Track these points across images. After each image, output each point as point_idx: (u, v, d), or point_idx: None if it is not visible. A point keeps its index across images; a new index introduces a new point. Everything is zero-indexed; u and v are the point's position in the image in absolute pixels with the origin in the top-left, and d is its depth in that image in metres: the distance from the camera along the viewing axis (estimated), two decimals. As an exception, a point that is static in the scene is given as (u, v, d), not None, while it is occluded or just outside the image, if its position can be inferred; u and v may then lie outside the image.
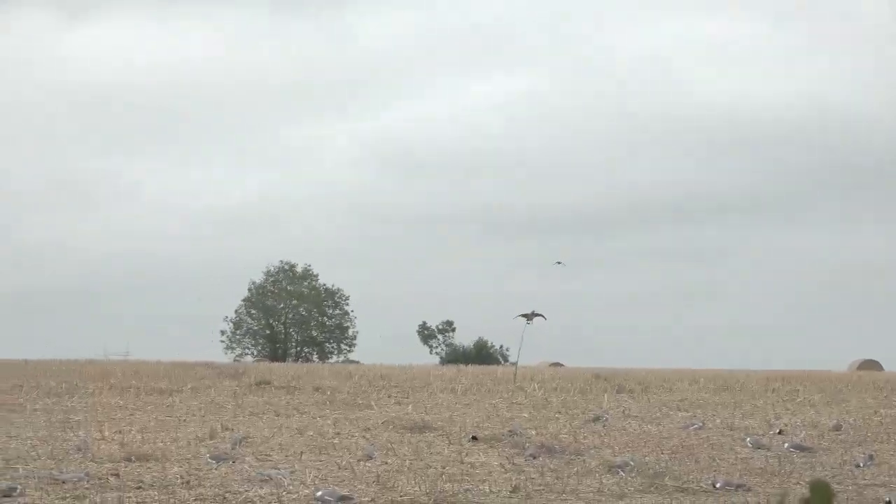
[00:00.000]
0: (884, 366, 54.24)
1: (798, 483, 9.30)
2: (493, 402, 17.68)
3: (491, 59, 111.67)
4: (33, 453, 10.32)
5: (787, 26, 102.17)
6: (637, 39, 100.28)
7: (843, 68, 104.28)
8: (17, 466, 9.39)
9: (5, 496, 8.08)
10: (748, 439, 12.27)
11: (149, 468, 9.36)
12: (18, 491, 8.21)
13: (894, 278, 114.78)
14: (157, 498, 8.27)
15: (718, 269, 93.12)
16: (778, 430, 13.53)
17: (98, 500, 8.00)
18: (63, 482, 8.56)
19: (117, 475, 8.96)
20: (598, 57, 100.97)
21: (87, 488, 8.42)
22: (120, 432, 11.87)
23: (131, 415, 14.65)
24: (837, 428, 13.89)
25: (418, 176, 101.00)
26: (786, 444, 11.77)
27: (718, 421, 14.79)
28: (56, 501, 8.02)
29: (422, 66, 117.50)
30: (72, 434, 11.87)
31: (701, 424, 13.98)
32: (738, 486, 8.99)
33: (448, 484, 8.87)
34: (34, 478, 8.74)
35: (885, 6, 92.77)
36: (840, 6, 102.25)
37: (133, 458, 9.72)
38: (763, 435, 12.98)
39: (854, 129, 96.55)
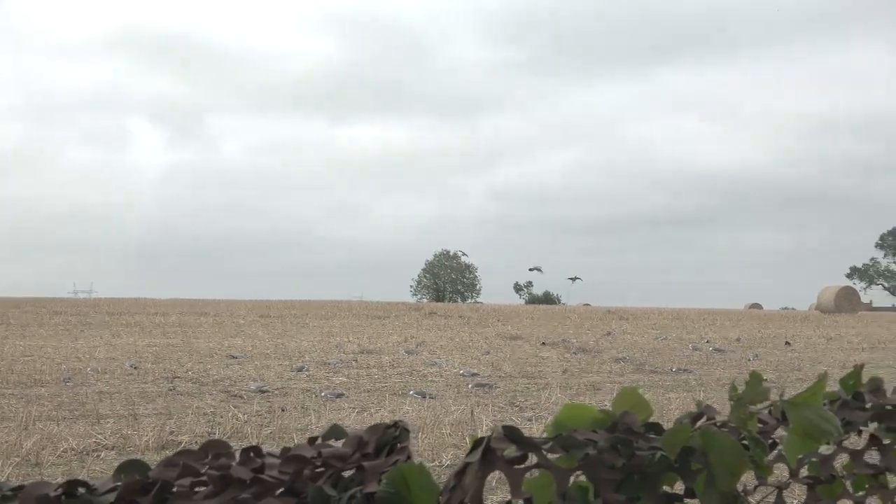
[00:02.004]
0: (763, 306, 72.72)
1: (717, 368, 17.07)
2: (553, 324, 27.24)
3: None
4: (313, 350, 18.00)
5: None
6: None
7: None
8: (304, 355, 17.01)
9: (299, 371, 15.56)
10: (690, 345, 20.25)
11: (372, 357, 16.99)
12: (305, 369, 15.72)
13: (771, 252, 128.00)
14: (376, 373, 15.81)
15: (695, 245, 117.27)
16: (706, 340, 21.67)
17: (346, 373, 15.53)
18: (329, 364, 16.09)
19: (356, 360, 16.53)
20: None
21: (339, 367, 15.97)
22: (358, 337, 19.83)
23: (362, 329, 23.45)
24: (738, 339, 22.14)
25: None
26: (710, 348, 19.74)
27: (674, 335, 23.03)
28: (327, 374, 15.56)
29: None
30: (332, 339, 20.01)
31: (665, 337, 22.18)
32: (685, 370, 16.64)
33: (529, 367, 16.51)
34: (314, 362, 16.29)
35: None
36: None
37: (364, 351, 17.39)
38: (698, 343, 20.98)
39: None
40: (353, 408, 10.29)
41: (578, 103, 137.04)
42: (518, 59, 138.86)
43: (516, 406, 10.68)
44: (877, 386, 1.55)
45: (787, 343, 21.90)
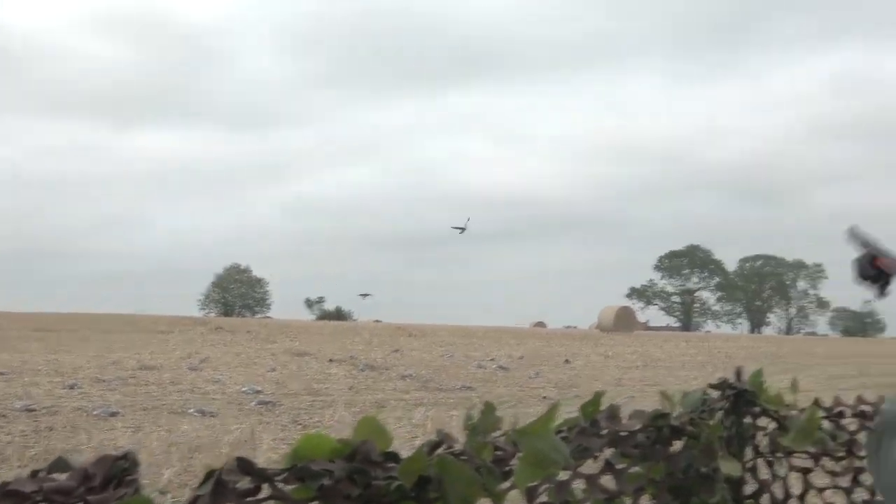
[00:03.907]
0: (547, 324, 73.83)
1: (500, 386, 17.48)
2: (343, 340, 26.86)
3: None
4: (88, 366, 17.09)
5: None
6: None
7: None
8: (78, 371, 16.18)
9: (71, 388, 14.87)
10: (475, 363, 20.65)
11: (152, 373, 16.40)
12: (78, 386, 15.02)
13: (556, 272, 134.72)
14: (155, 390, 15.30)
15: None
16: (491, 358, 22.18)
17: (122, 391, 14.95)
18: (104, 381, 15.41)
19: (134, 377, 15.92)
20: None
21: (116, 384, 15.33)
22: (138, 353, 18.94)
23: (144, 344, 22.27)
24: (522, 357, 22.78)
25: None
26: (495, 366, 20.21)
27: (461, 353, 23.41)
28: (102, 392, 14.91)
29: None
30: (110, 355, 19.02)
31: (452, 355, 22.50)
32: (468, 387, 16.94)
33: (315, 384, 16.39)
34: (88, 379, 15.54)
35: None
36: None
37: (144, 367, 16.76)
38: (483, 360, 21.44)
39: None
40: (128, 427, 9.90)
41: (372, 120, 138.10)
42: (313, 73, 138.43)
43: (299, 424, 10.57)
44: (613, 413, 1.60)
45: (567, 361, 22.68)
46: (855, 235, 2.09)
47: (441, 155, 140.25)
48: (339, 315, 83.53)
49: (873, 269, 2.05)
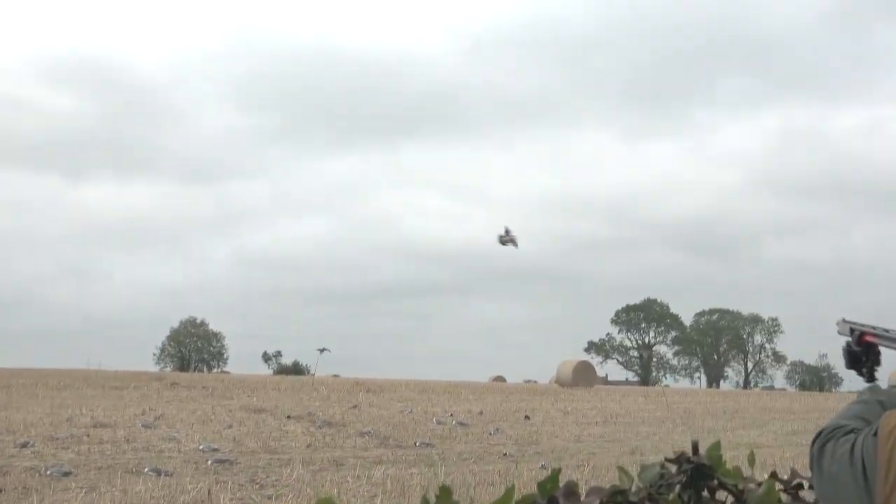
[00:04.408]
0: (506, 378, 75.63)
1: (460, 443, 17.38)
2: (301, 396, 26.67)
3: None
4: (41, 423, 16.78)
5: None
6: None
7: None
8: (31, 429, 15.88)
9: (23, 446, 14.58)
10: (434, 419, 20.54)
11: (107, 431, 16.13)
12: (30, 444, 14.74)
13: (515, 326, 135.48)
14: (110, 449, 15.03)
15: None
16: (450, 414, 22.07)
17: (76, 449, 14.67)
18: (57, 438, 15.14)
19: (88, 435, 15.64)
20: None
21: (69, 442, 15.06)
22: (91, 410, 18.59)
23: (98, 401, 21.91)
24: (481, 413, 22.70)
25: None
26: (454, 422, 20.12)
27: (419, 409, 23.29)
28: (55, 450, 14.65)
29: None
30: (63, 412, 18.68)
31: (411, 410, 22.39)
32: (428, 444, 16.82)
33: (272, 442, 16.20)
34: (41, 437, 15.26)
35: None
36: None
37: (98, 425, 16.47)
38: (443, 416, 21.34)
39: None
40: (82, 487, 9.72)
41: (327, 173, 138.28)
42: (267, 126, 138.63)
43: (257, 483, 10.44)
44: (571, 489, 1.62)
45: (527, 417, 22.63)
46: (845, 325, 2.16)
47: (396, 208, 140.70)
48: (296, 369, 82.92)
49: (859, 346, 2.10)
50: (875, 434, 1.64)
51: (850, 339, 2.13)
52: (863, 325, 2.11)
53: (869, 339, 2.07)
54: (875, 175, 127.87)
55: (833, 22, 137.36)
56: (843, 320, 2.17)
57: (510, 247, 27.54)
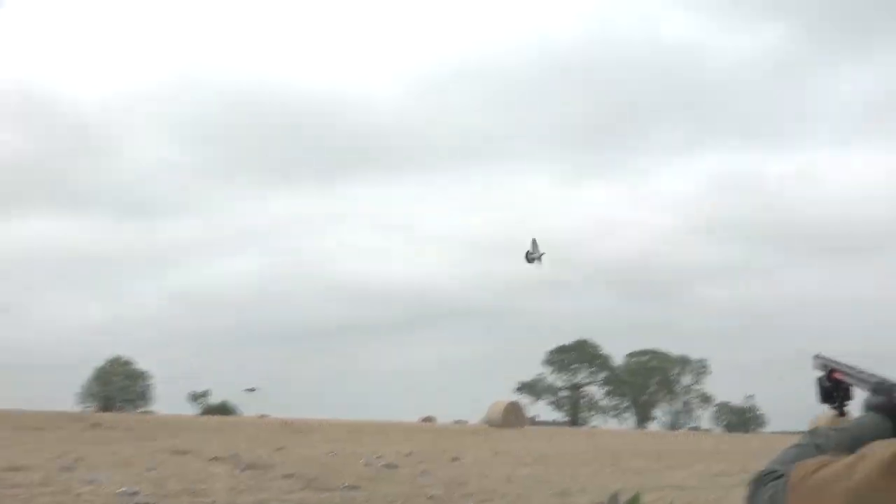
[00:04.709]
0: (436, 418, 74.78)
1: (387, 485, 17.12)
2: (226, 436, 26.26)
3: None
4: None
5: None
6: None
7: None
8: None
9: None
10: (362, 460, 20.27)
11: (20, 474, 15.58)
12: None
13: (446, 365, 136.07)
14: (22, 493, 14.52)
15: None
16: (378, 455, 21.79)
17: None
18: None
19: (1, 479, 15.09)
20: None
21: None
22: (6, 452, 17.96)
23: (13, 443, 21.18)
24: (410, 454, 22.47)
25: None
26: (381, 463, 19.86)
27: (347, 450, 22.99)
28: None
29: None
30: None
31: (338, 452, 22.08)
32: (354, 487, 16.52)
33: (195, 485, 15.80)
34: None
35: None
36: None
37: (11, 468, 15.92)
38: (370, 457, 21.08)
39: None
40: (-10, 534, 9.33)
41: (261, 211, 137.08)
42: (204, 163, 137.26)
43: (176, 528, 10.14)
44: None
45: (456, 458, 22.45)
46: (819, 360, 2.21)
47: (330, 246, 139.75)
48: (223, 410, 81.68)
49: (830, 382, 2.15)
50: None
51: (823, 374, 2.18)
52: (835, 362, 2.16)
53: (838, 375, 2.12)
54: (805, 220, 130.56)
55: (769, 70, 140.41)
56: (818, 356, 2.22)
57: (535, 264, 27.15)
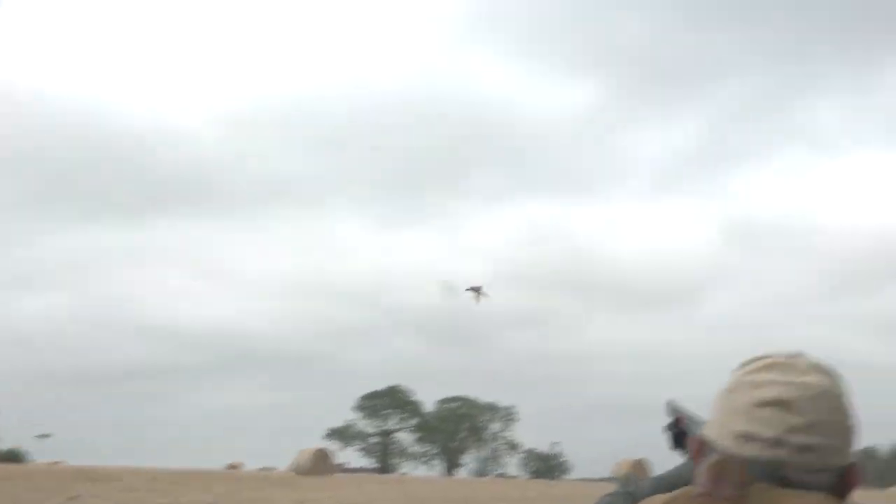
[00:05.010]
0: (244, 465, 74.51)
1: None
2: (11, 486, 24.81)
3: None
4: None
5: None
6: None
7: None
8: None
9: None
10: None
11: None
12: None
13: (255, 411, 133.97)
14: None
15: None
16: None
17: None
18: None
19: None
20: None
21: None
22: None
23: None
24: (212, 503, 21.70)
25: None
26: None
27: (147, 499, 21.96)
28: None
29: None
30: None
31: (134, 502, 21.03)
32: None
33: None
34: None
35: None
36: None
37: None
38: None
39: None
40: None
41: (65, 248, 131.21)
42: (5, 198, 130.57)
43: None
44: None
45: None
46: (670, 406, 2.19)
47: (137, 286, 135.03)
48: (11, 457, 76.38)
49: (676, 428, 2.15)
50: None
51: (671, 420, 2.15)
52: (682, 410, 2.13)
53: (682, 423, 2.10)
54: (613, 270, 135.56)
55: (581, 124, 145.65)
56: (670, 402, 2.20)
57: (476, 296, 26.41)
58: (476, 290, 27.54)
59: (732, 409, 1.55)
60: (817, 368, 1.56)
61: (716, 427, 1.58)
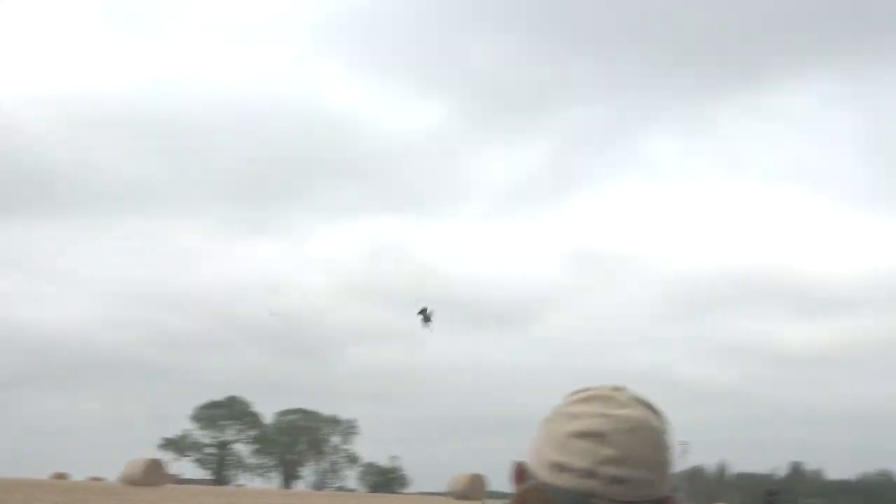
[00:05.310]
0: (71, 475, 74.81)
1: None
2: None
3: None
4: None
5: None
6: None
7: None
8: None
9: None
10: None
11: None
12: None
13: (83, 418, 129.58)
14: None
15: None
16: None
17: None
18: None
19: None
20: None
21: None
22: None
23: None
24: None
25: None
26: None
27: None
28: None
29: None
30: None
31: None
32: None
33: None
34: None
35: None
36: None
37: None
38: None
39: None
40: None
41: None
42: None
43: None
44: None
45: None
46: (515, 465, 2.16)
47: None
48: None
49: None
50: None
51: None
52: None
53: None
54: (454, 286, 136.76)
55: (429, 143, 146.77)
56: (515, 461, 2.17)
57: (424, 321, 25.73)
58: (424, 313, 27.31)
59: (549, 438, 1.55)
60: (637, 402, 1.56)
61: (534, 455, 1.58)
